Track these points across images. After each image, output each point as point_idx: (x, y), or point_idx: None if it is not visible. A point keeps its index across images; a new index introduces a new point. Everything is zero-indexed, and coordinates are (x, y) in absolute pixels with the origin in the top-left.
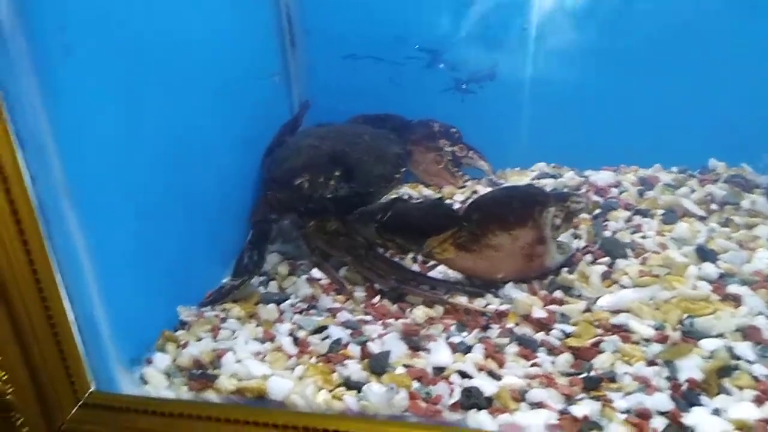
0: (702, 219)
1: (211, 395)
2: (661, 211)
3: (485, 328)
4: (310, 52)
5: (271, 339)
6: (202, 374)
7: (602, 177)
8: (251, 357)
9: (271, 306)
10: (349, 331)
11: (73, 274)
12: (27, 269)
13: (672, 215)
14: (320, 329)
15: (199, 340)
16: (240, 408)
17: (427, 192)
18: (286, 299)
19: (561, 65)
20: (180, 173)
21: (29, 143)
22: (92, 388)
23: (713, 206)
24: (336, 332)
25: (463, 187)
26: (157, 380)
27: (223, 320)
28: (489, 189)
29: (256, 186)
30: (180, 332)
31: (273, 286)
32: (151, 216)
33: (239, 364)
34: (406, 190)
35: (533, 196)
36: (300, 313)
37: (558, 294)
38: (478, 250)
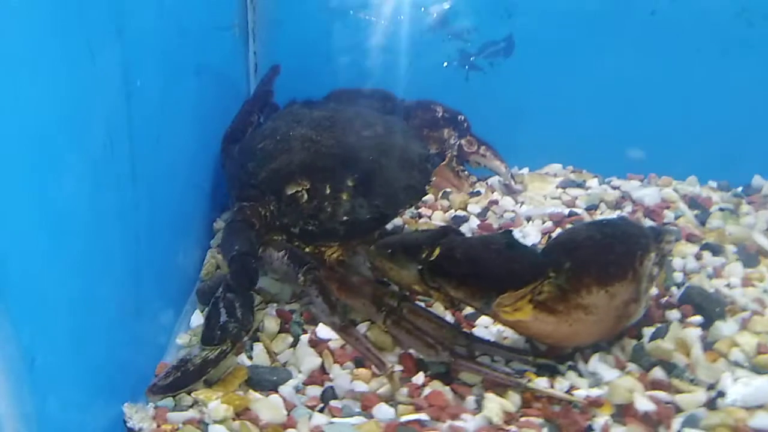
0: None
1: None
2: (732, 248)
3: (588, 431)
4: None
5: None
6: None
7: (648, 194)
8: None
9: (275, 399)
10: None
11: None
12: None
13: (749, 255)
14: None
15: None
16: None
17: (425, 198)
18: (287, 378)
19: (584, 51)
20: (116, 166)
21: None
22: None
23: None
24: None
25: (477, 194)
26: None
27: (201, 425)
28: (508, 197)
29: (214, 186)
30: None
31: (259, 351)
32: (72, 244)
33: None
34: None
35: (634, 238)
36: (321, 410)
37: (658, 374)
38: (564, 311)
